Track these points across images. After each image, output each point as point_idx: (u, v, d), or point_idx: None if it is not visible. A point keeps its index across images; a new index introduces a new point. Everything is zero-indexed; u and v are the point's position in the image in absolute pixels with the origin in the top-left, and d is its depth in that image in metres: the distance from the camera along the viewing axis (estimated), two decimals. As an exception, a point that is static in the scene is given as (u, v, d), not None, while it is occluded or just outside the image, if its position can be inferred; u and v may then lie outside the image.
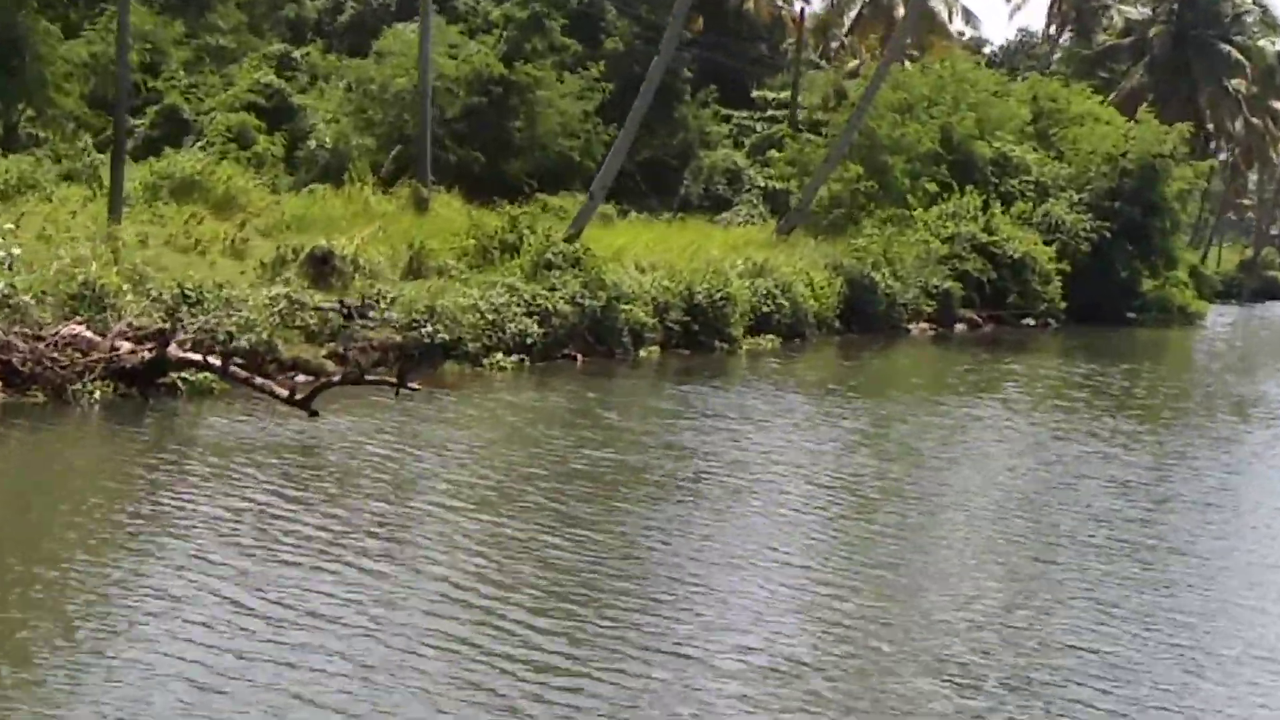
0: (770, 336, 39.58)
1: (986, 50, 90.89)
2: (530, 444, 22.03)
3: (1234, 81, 77.21)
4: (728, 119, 69.85)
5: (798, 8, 77.38)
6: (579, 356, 32.33)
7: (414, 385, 21.64)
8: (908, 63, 66.81)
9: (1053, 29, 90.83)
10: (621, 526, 16.44)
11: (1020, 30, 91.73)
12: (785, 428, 25.87)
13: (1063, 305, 54.94)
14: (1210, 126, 77.00)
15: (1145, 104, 69.80)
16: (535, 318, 31.47)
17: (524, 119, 57.53)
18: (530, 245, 33.94)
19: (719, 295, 36.85)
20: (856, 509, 18.73)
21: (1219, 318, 74.69)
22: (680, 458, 21.41)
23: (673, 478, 19.87)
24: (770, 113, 70.08)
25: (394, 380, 21.61)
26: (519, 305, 31.38)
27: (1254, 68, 78.57)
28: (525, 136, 57.74)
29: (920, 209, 52.75)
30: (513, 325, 30.70)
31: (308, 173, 50.03)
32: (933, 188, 54.15)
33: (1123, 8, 79.15)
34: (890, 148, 55.00)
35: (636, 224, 50.00)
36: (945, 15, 79.54)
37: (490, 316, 30.28)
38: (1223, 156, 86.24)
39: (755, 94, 72.96)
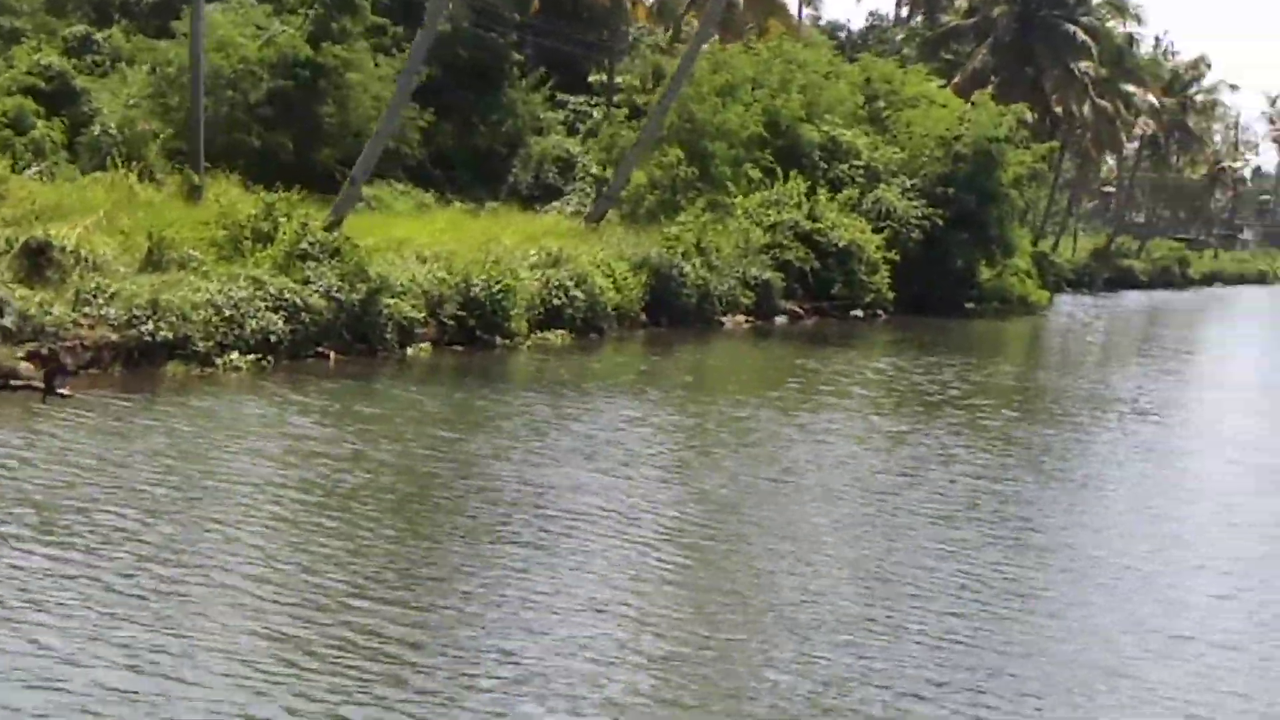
0: (560, 331, 37.85)
1: (841, 35, 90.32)
2: (181, 459, 19.59)
3: (1081, 64, 76.63)
4: (563, 105, 68.16)
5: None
6: (332, 355, 30.42)
7: (64, 391, 19.75)
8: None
9: (904, 11, 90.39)
10: (200, 555, 14.68)
11: (871, 14, 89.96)
12: (504, 432, 24.03)
13: (892, 296, 53.90)
14: (1058, 110, 76.35)
15: (991, 86, 69.36)
16: (282, 313, 29.54)
17: (335, 104, 56.05)
18: (284, 235, 31.96)
19: (498, 288, 35.11)
20: (526, 525, 17.15)
21: (1066, 307, 74.23)
22: (332, 468, 19.59)
23: (305, 493, 18.08)
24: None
25: (41, 385, 19.64)
26: (263, 299, 29.38)
27: (1102, 50, 78.04)
28: (337, 122, 56.24)
29: (742, 196, 51.44)
30: (254, 321, 28.63)
31: (91, 160, 47.80)
32: (756, 174, 52.99)
33: (958, -14, 78.47)
34: (712, 132, 53.41)
35: (457, 214, 48.20)
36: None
37: (227, 312, 28.25)
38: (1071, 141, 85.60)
39: (592, 79, 71.47)
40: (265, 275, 30.19)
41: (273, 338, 28.99)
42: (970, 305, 60.04)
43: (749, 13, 76.36)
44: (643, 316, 43.06)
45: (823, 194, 53.24)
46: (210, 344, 27.52)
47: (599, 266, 41.20)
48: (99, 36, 60.76)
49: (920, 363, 39.97)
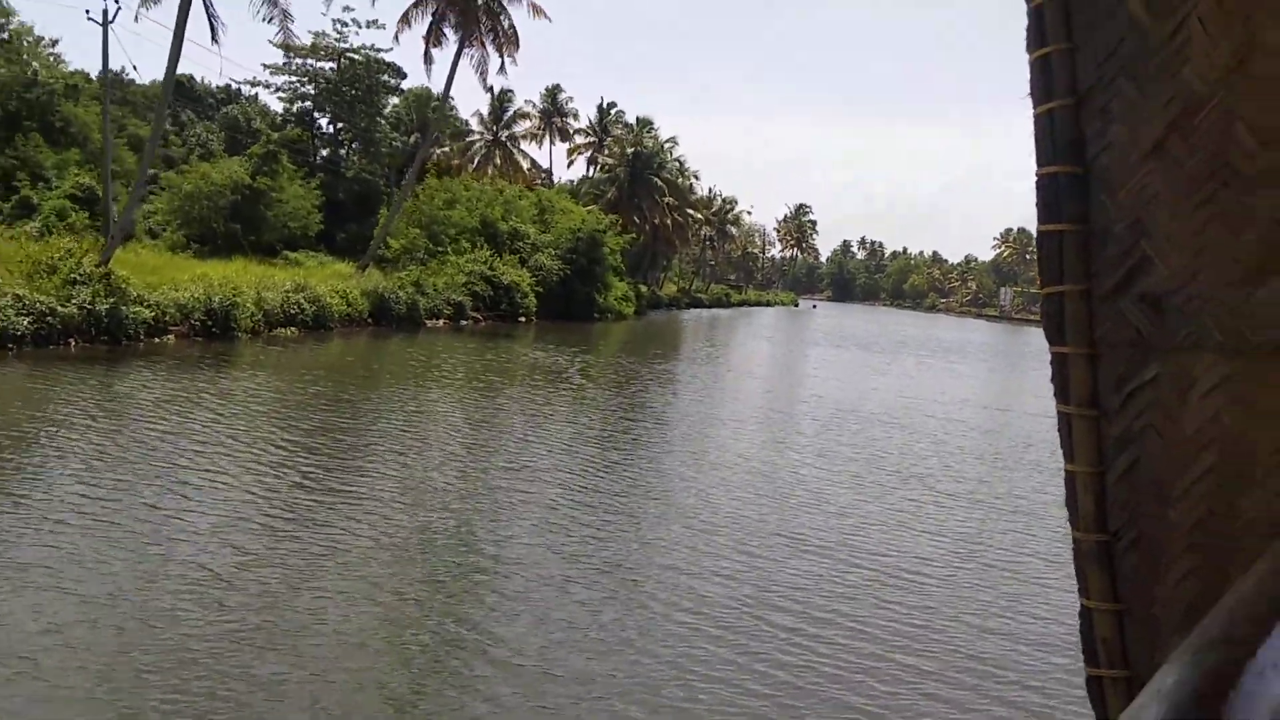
0: (291, 329, 29.44)
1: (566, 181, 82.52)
2: None
3: (667, 199, 69.60)
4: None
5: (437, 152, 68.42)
6: (72, 344, 21.65)
7: None
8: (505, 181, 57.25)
9: (592, 172, 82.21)
10: None
11: (583, 176, 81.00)
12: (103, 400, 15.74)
13: (538, 311, 46.34)
14: (655, 221, 69.17)
15: (618, 208, 62.17)
16: (29, 316, 20.72)
17: (268, 209, 47.59)
18: (63, 268, 22.96)
19: (228, 302, 26.46)
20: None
21: (659, 316, 67.05)
22: None
23: None
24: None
25: None
26: (14, 308, 20.60)
27: (673, 191, 71.14)
28: (272, 219, 47.82)
29: (455, 257, 43.45)
30: (1, 322, 19.96)
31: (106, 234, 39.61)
32: (467, 246, 44.87)
33: (607, 159, 70.70)
34: (442, 223, 45.34)
35: (253, 261, 39.47)
36: (522, 161, 70.02)
37: (-22, 316, 19.55)
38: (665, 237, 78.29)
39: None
40: (28, 291, 21.25)
41: (18, 332, 20.23)
42: (597, 316, 52.53)
43: (504, 168, 68.18)
44: (370, 320, 34.75)
45: (505, 257, 45.67)
46: (-49, 336, 18.84)
47: (337, 292, 32.80)
48: (162, 175, 53.37)
49: (552, 349, 31.87)
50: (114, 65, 61.82)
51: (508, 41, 37.10)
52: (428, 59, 37.73)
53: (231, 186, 48.09)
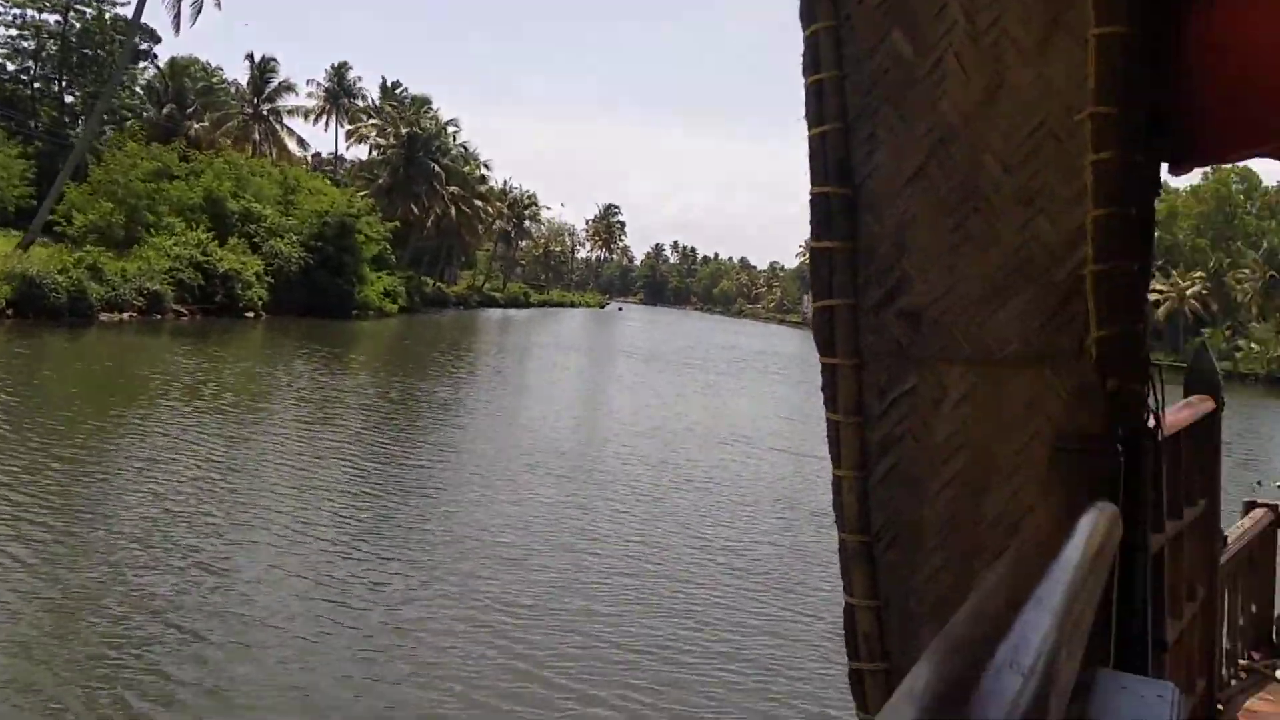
0: None
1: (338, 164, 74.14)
2: None
3: (451, 187, 63.67)
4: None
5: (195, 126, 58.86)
6: None
7: None
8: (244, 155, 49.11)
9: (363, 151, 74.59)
10: None
11: (353, 157, 72.35)
12: None
13: (269, 303, 39.60)
14: (436, 210, 63.04)
15: (391, 196, 55.83)
16: None
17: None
18: None
19: None
20: None
21: (434, 317, 60.56)
22: None
23: None
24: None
25: None
26: None
27: (457, 179, 65.23)
28: None
29: (160, 238, 36.02)
30: None
31: None
32: (180, 225, 37.48)
33: (380, 140, 63.90)
34: (143, 196, 37.25)
35: None
36: (288, 139, 62.06)
37: None
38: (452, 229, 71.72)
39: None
40: None
41: None
42: (355, 311, 46.03)
43: (265, 145, 60.19)
44: (8, 312, 27.21)
45: (232, 241, 38.61)
46: None
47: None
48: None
49: (208, 357, 25.31)
50: None
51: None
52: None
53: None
